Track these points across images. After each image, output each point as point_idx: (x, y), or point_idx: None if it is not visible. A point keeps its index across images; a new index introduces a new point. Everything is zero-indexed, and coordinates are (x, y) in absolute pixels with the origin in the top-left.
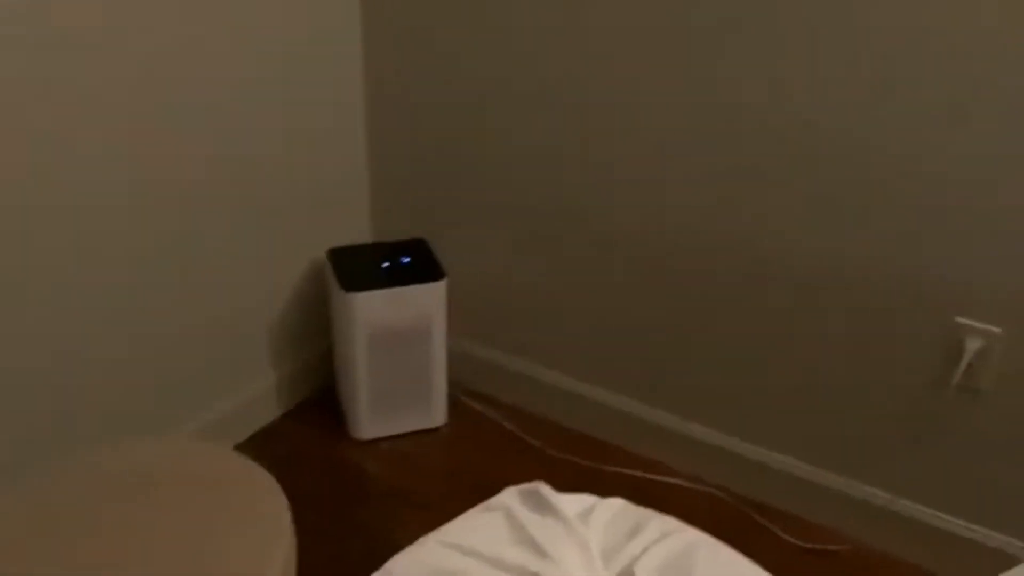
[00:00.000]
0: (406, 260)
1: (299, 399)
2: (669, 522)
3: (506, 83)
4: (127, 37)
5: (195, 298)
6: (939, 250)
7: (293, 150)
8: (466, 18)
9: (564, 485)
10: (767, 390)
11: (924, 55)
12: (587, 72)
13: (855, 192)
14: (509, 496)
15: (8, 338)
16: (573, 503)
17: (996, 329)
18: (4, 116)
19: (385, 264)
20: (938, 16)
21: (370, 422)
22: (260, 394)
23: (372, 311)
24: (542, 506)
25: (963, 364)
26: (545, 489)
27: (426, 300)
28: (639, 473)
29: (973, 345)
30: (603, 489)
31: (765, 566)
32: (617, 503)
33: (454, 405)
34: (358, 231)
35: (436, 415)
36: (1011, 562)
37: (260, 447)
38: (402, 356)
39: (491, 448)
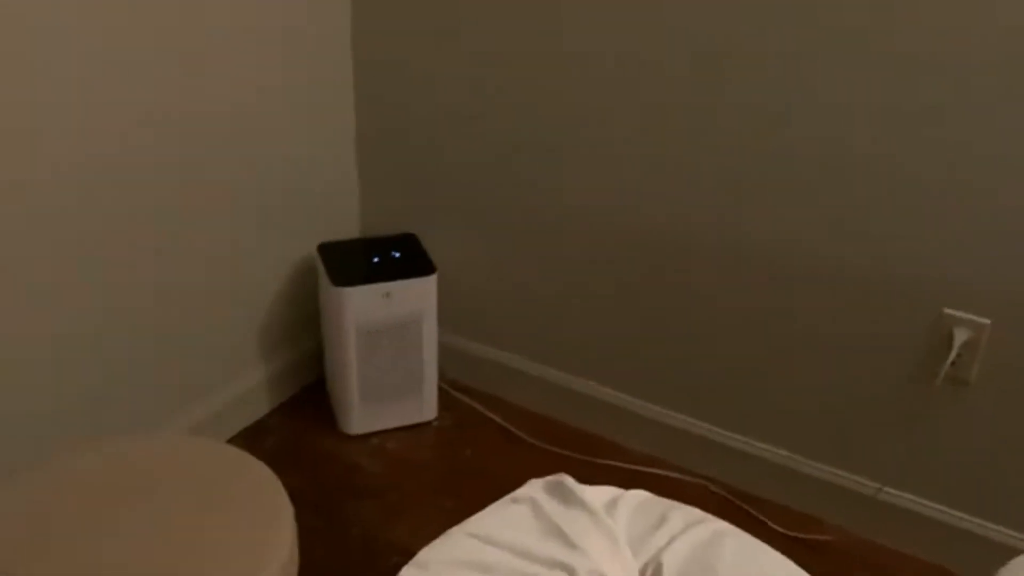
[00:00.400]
0: (396, 255)
1: (289, 394)
2: (693, 512)
3: (496, 79)
4: (120, 38)
5: (184, 294)
6: (928, 242)
7: (283, 146)
8: (456, 17)
9: None
10: (756, 382)
11: (903, 54)
12: (577, 69)
13: (842, 186)
14: (534, 488)
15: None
16: (598, 494)
17: (984, 320)
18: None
19: (375, 259)
20: (920, 18)
21: (360, 417)
22: (250, 389)
23: (362, 306)
24: (568, 498)
25: (952, 355)
26: (569, 481)
27: (416, 295)
28: (630, 466)
29: (961, 336)
30: (594, 482)
31: None
32: (641, 494)
33: (445, 400)
34: (348, 226)
35: (427, 410)
36: (997, 549)
37: (250, 442)
38: (392, 351)
39: (482, 442)
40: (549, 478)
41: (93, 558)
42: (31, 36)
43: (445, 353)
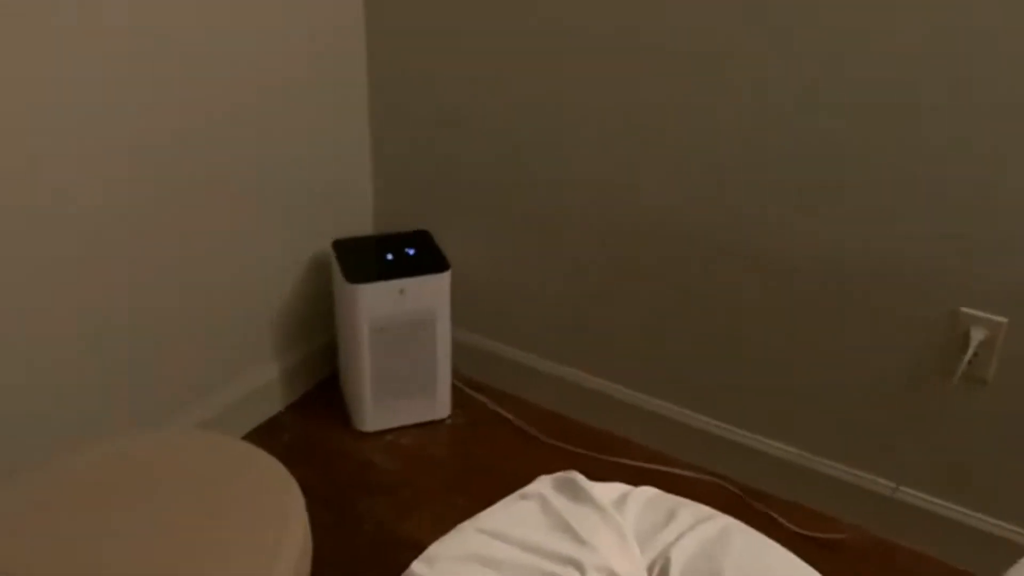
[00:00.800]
0: (410, 252)
1: (303, 391)
2: (701, 509)
3: (508, 76)
4: (139, 36)
5: (199, 290)
6: (944, 240)
7: (297, 143)
8: (467, 18)
9: None
10: (770, 379)
11: (922, 47)
12: (592, 65)
13: (858, 184)
14: (543, 485)
15: (10, 331)
16: (607, 491)
17: (1001, 319)
18: (10, 114)
19: (389, 256)
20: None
21: (374, 414)
22: (264, 386)
23: (376, 303)
24: (577, 494)
25: (968, 354)
26: (579, 477)
27: (430, 292)
28: (643, 464)
29: (978, 335)
30: (608, 480)
31: None
32: (649, 491)
33: (458, 397)
34: (362, 223)
35: (440, 407)
36: (1011, 549)
37: (265, 438)
38: (406, 348)
39: (495, 440)
40: (558, 474)
41: (101, 555)
42: (52, 41)
43: (458, 350)
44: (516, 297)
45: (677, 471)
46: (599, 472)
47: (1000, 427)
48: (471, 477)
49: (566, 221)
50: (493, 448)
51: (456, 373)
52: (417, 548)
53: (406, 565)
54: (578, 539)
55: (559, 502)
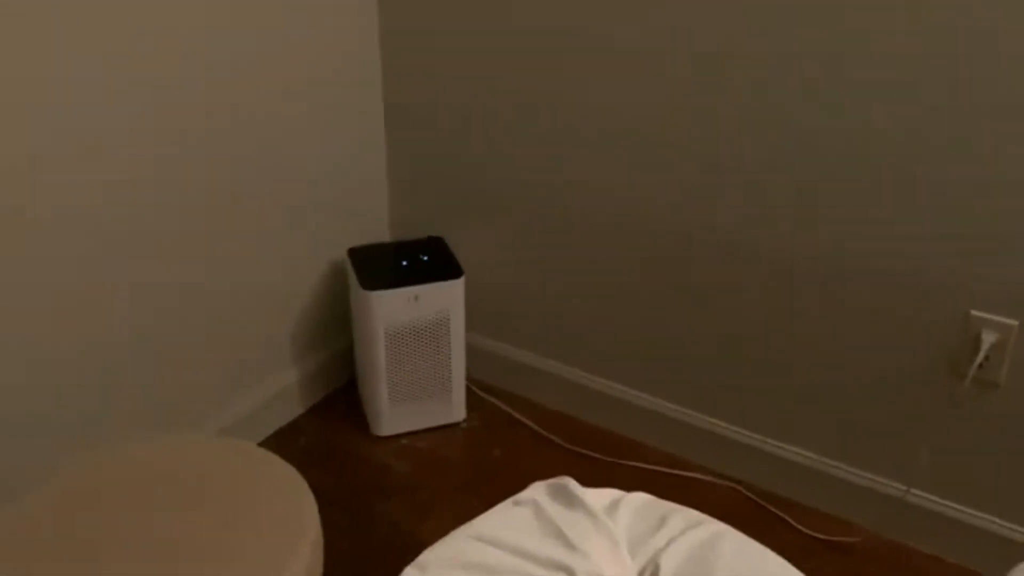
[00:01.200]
0: (424, 258)
1: (321, 396)
2: (692, 515)
3: (522, 82)
4: (154, 39)
5: (217, 297)
6: (954, 243)
7: (313, 154)
8: (481, 22)
9: (583, 479)
10: (783, 384)
11: (928, 48)
12: (601, 71)
13: (867, 186)
14: (536, 491)
15: (31, 336)
16: (599, 497)
17: (1012, 322)
18: (22, 116)
19: (403, 262)
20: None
21: (390, 418)
22: (283, 391)
23: (391, 309)
24: (569, 500)
25: (979, 357)
26: (572, 484)
27: (444, 298)
28: (657, 467)
29: (989, 338)
30: (622, 483)
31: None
32: (641, 497)
33: (473, 401)
34: (377, 230)
35: (455, 411)
36: (1023, 552)
37: (282, 443)
38: (421, 353)
39: (510, 443)
40: (552, 480)
41: (116, 557)
42: (75, 43)
43: (473, 355)
44: (530, 301)
45: (691, 474)
46: (613, 476)
47: (1012, 430)
48: (485, 479)
49: (578, 226)
50: (507, 451)
51: (470, 377)
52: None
53: None
54: (570, 545)
55: (552, 508)
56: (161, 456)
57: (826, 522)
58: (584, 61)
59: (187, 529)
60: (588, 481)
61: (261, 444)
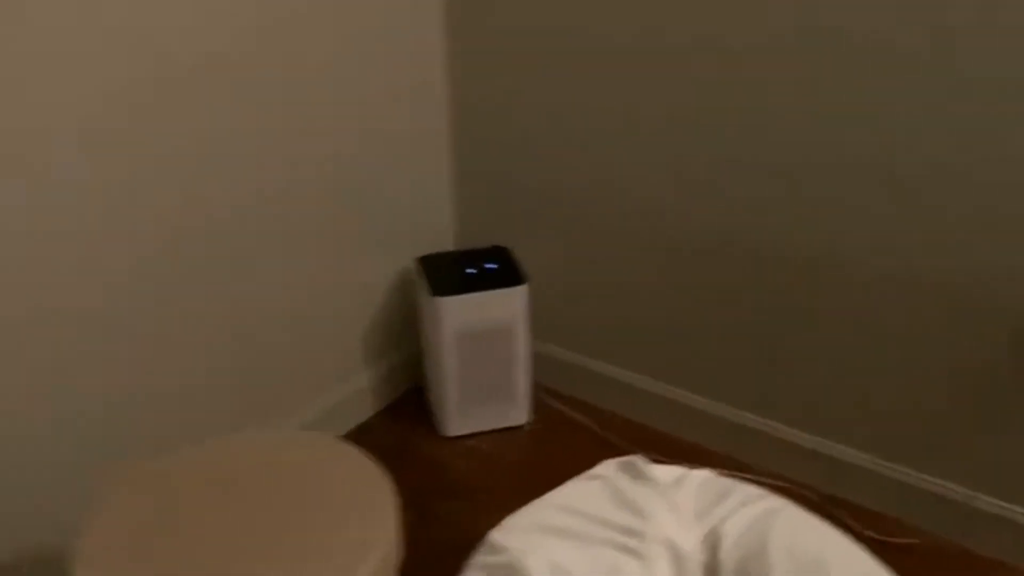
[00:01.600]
0: (489, 266)
1: (391, 398)
2: (753, 490)
3: (583, 94)
4: (242, 61)
5: (296, 305)
6: (1011, 246)
7: (384, 171)
8: (549, 31)
9: None
10: (846, 387)
11: (983, 49)
12: (661, 87)
13: (930, 197)
14: (607, 467)
15: (131, 343)
16: (665, 472)
17: None
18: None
19: (470, 270)
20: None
21: (457, 420)
22: (355, 393)
23: (458, 314)
24: (638, 474)
25: None
26: (640, 460)
27: (509, 304)
28: (717, 470)
29: None
30: None
31: None
32: (705, 473)
33: (536, 404)
34: (443, 240)
35: (519, 413)
36: None
37: (356, 442)
38: (487, 357)
39: (572, 445)
40: (622, 458)
41: (210, 545)
42: (173, 75)
43: (537, 360)
44: (591, 307)
45: (752, 477)
46: None
47: None
48: (548, 480)
49: (639, 233)
50: (569, 453)
51: (534, 382)
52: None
53: None
54: (640, 513)
55: (622, 482)
56: (252, 450)
57: (885, 523)
58: (643, 75)
59: (268, 518)
60: None
61: None
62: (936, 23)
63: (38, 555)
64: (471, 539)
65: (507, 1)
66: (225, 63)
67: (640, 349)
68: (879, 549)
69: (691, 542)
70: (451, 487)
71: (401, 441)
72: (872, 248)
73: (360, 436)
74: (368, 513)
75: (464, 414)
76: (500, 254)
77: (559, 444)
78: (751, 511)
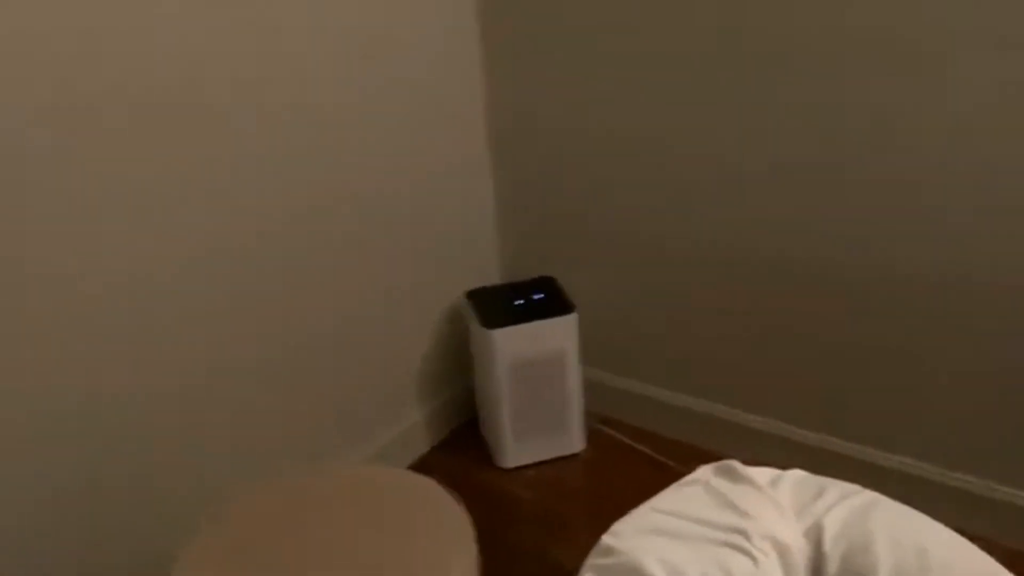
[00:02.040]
0: (537, 297)
1: (446, 432)
2: (848, 485)
3: (625, 123)
4: (294, 105)
5: (347, 343)
6: None
7: (428, 209)
8: (589, 62)
9: None
10: (908, 402)
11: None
12: (706, 112)
13: (992, 209)
14: (703, 472)
15: (201, 375)
16: (762, 473)
17: None
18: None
19: (519, 301)
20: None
21: (514, 451)
22: (410, 428)
23: (511, 345)
24: (735, 476)
25: None
26: (735, 463)
27: (559, 333)
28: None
29: None
30: None
31: None
32: (800, 473)
33: (591, 431)
34: (488, 273)
35: (575, 441)
36: None
37: None
38: (540, 387)
39: (629, 470)
40: (716, 463)
41: (300, 566)
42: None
43: (589, 388)
44: (641, 334)
45: None
46: None
47: None
48: (609, 505)
49: (686, 259)
50: (627, 477)
51: (588, 409)
52: (566, 574)
53: None
54: (741, 512)
55: (720, 484)
56: (324, 484)
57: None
58: (691, 105)
59: (351, 550)
60: None
61: None
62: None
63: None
64: (545, 565)
65: (544, 25)
66: (270, 98)
67: (690, 371)
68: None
69: (795, 537)
70: (515, 516)
71: (460, 474)
72: (932, 264)
73: (419, 471)
74: (448, 541)
75: (520, 444)
76: (547, 284)
77: (616, 469)
78: (850, 504)
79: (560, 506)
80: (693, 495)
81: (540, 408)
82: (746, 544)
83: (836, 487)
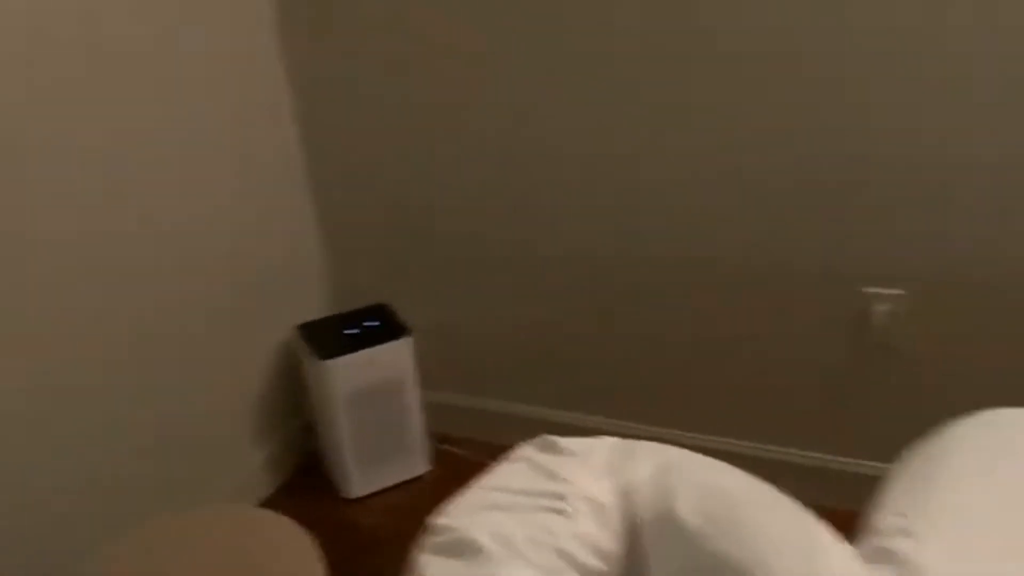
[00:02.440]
0: (370, 324)
1: (290, 470)
2: (657, 446)
3: (452, 134)
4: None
5: (168, 395)
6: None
7: (245, 244)
8: (406, 76)
9: None
10: (720, 386)
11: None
12: (543, 117)
13: (771, 185)
14: (525, 449)
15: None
16: (577, 443)
17: (899, 292)
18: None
19: (352, 330)
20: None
21: (359, 480)
22: (252, 473)
23: (347, 375)
24: (554, 448)
25: (875, 325)
26: (554, 437)
27: (394, 358)
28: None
29: (881, 308)
30: None
31: None
32: (613, 439)
33: (435, 452)
34: (318, 306)
35: (418, 464)
36: None
37: None
38: (380, 413)
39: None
40: (536, 439)
41: None
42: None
43: (430, 409)
44: (478, 351)
45: None
46: None
47: (917, 386)
48: None
49: (516, 270)
50: None
51: (430, 431)
52: None
53: None
54: (560, 480)
55: (540, 457)
56: (181, 528)
57: None
58: (523, 113)
59: None
60: None
61: None
62: None
63: None
64: None
65: (357, 43)
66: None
67: (528, 381)
68: None
69: (607, 495)
70: (366, 545)
71: (306, 510)
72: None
73: None
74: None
75: (364, 473)
76: (379, 311)
77: (462, 485)
78: (656, 460)
79: (411, 528)
80: (516, 470)
81: (381, 434)
82: (563, 505)
83: (645, 447)
